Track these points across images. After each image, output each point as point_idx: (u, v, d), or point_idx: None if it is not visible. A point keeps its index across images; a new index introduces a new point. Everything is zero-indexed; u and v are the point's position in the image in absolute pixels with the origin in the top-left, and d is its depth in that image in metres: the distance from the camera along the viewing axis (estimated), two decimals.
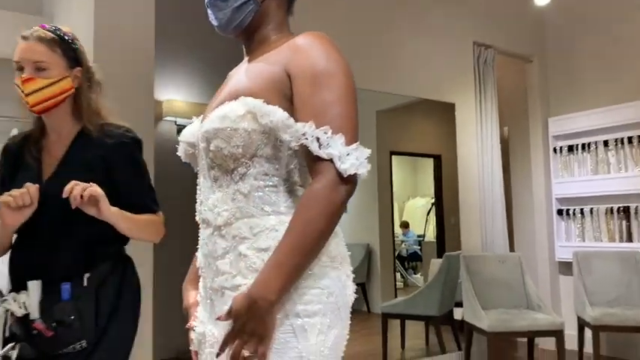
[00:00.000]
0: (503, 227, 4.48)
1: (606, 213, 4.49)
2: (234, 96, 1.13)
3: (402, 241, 9.27)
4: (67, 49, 1.55)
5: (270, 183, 1.12)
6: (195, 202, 1.24)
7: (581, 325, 4.10)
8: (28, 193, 1.42)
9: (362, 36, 3.85)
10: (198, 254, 1.23)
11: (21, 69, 1.50)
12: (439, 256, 4.64)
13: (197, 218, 1.24)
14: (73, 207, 1.39)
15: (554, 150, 4.84)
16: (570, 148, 4.74)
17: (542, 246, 4.84)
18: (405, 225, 7.80)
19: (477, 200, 4.41)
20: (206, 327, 1.18)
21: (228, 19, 1.22)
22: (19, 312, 1.43)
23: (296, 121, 1.08)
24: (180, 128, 4.67)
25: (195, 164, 1.29)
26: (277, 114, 1.07)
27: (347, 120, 1.07)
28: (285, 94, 1.11)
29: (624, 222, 4.39)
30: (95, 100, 1.60)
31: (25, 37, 1.51)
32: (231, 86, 1.19)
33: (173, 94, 4.64)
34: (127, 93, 2.78)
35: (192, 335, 1.23)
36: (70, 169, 1.51)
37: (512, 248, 4.83)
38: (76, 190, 1.38)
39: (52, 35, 1.53)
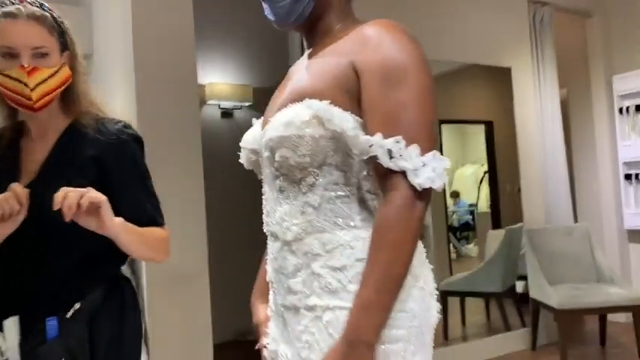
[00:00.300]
0: (567, 197, 4.24)
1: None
2: (297, 97, 1.00)
3: (454, 212, 9.07)
4: (59, 29, 1.27)
5: (342, 193, 1.00)
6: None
7: None
8: (15, 196, 1.11)
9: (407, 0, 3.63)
10: (268, 268, 1.12)
11: (11, 55, 1.20)
12: (494, 227, 4.46)
13: (265, 230, 1.13)
14: (67, 219, 1.07)
15: (620, 110, 4.51)
16: (638, 108, 4.41)
17: (609, 214, 4.56)
18: (455, 194, 7.60)
19: (538, 169, 4.17)
20: (279, 346, 1.08)
21: (287, 12, 1.07)
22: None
23: (364, 123, 0.95)
24: (224, 112, 4.59)
25: (259, 172, 1.17)
26: (344, 122, 0.94)
27: (423, 126, 0.93)
28: (352, 92, 0.97)
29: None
30: (87, 89, 1.32)
31: (12, 15, 1.20)
32: (293, 85, 1.06)
33: (214, 77, 4.54)
34: (169, 80, 2.70)
35: (265, 353, 1.14)
36: (56, 173, 1.23)
37: (576, 218, 4.58)
38: (71, 197, 1.07)
39: (43, 12, 1.24)
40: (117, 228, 1.16)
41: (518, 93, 4.16)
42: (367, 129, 0.95)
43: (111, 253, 1.24)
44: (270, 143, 1.01)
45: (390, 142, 0.91)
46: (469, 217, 9.42)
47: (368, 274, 0.92)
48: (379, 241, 0.92)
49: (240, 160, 1.20)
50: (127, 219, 1.20)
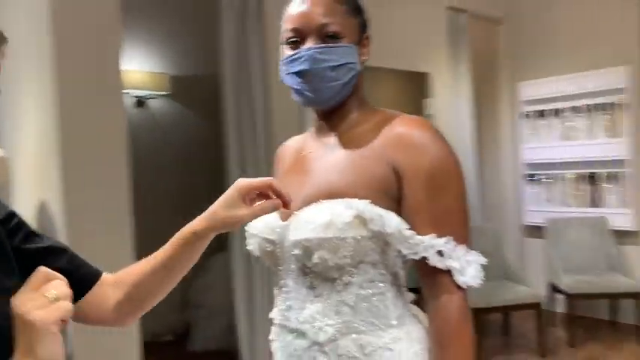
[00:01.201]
0: (477, 198, 4.50)
1: (574, 179, 4.57)
2: (332, 195, 0.98)
3: None
4: None
5: (377, 290, 1.00)
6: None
7: (553, 289, 4.24)
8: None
9: None
10: (279, 358, 1.08)
11: None
12: None
13: (277, 321, 1.08)
14: None
15: (523, 115, 4.84)
16: (540, 114, 4.75)
17: (512, 212, 4.92)
18: None
19: None
20: None
21: (334, 93, 1.03)
22: None
23: (411, 224, 0.96)
24: (138, 100, 4.33)
25: (272, 262, 1.11)
26: (392, 222, 0.95)
27: (465, 228, 0.98)
28: (392, 194, 0.97)
29: (591, 188, 4.50)
30: None
31: None
32: (320, 179, 1.02)
33: (127, 64, 4.24)
34: (89, 66, 2.54)
35: None
36: None
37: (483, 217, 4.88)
38: None
39: None
40: None
41: (436, 98, 4.32)
42: (414, 229, 0.96)
43: None
44: (306, 244, 0.97)
45: (441, 243, 0.94)
46: None
47: None
48: (446, 351, 0.95)
49: (248, 247, 1.13)
50: None
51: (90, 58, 2.57)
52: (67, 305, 0.70)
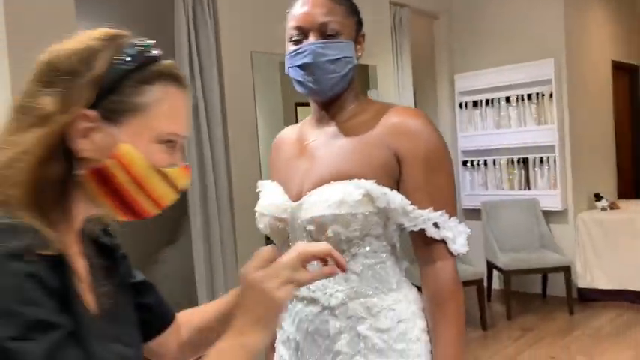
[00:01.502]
0: None
1: (507, 163, 4.91)
2: (339, 176, 1.11)
3: None
4: None
5: (380, 260, 1.14)
6: None
7: (491, 267, 4.56)
8: None
9: None
10: (288, 327, 1.20)
11: None
12: None
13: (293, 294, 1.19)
14: None
15: (460, 105, 5.13)
16: (475, 104, 5.06)
17: None
18: None
19: None
20: None
21: (334, 84, 1.15)
22: None
23: (411, 201, 1.11)
24: None
25: (280, 239, 1.22)
26: (396, 200, 1.09)
27: (455, 202, 1.15)
28: (393, 175, 1.12)
29: (523, 172, 4.85)
30: None
31: None
32: (330, 164, 1.14)
33: None
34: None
35: None
36: None
37: None
38: None
39: None
40: None
41: (380, 88, 4.51)
42: (413, 205, 1.10)
43: None
44: (321, 220, 1.09)
45: (437, 216, 1.09)
46: None
47: (441, 351, 1.09)
48: (441, 312, 1.10)
49: (258, 226, 1.24)
50: None
51: (43, 45, 2.54)
52: (293, 290, 0.78)
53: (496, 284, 4.89)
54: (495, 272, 4.65)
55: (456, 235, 1.10)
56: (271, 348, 1.28)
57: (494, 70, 4.88)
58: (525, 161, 4.82)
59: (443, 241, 1.10)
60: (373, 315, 1.11)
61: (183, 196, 5.40)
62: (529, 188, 4.83)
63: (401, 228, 1.14)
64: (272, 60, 3.60)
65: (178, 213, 4.68)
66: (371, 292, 1.12)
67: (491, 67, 4.91)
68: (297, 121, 4.83)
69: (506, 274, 4.31)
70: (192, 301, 4.22)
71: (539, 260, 4.37)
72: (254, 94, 3.49)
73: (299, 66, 1.14)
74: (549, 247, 4.53)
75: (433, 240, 1.10)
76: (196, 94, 3.18)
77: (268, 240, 1.27)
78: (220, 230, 3.27)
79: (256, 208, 1.23)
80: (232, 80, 3.35)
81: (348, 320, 1.11)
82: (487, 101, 4.99)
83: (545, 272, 4.61)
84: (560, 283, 4.44)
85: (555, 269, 4.37)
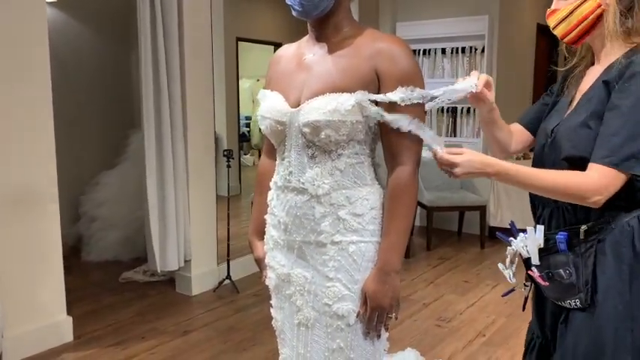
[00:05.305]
0: None
1: (437, 112, 5.30)
2: (334, 89, 1.30)
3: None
4: None
5: (359, 160, 1.37)
6: None
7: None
8: None
9: None
10: (279, 212, 1.43)
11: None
12: None
13: (279, 184, 1.43)
14: None
15: None
16: (416, 52, 5.36)
17: None
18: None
19: None
20: (292, 270, 1.43)
21: (315, 5, 1.31)
22: (524, 254, 1.40)
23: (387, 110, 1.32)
24: None
25: (278, 139, 1.42)
26: (374, 109, 1.29)
27: (425, 113, 1.37)
28: (374, 90, 1.31)
29: (451, 120, 5.26)
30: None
31: None
32: (325, 77, 1.33)
33: None
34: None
35: (269, 281, 1.52)
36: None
37: None
38: None
39: None
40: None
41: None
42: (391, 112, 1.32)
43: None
44: (316, 124, 1.30)
45: (412, 119, 1.31)
46: (246, 129, 9.95)
47: (391, 225, 1.34)
48: (396, 202, 1.34)
49: (260, 127, 1.45)
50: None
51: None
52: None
53: (418, 221, 5.35)
54: (418, 210, 5.08)
55: (425, 130, 1.33)
56: (257, 237, 1.59)
57: (434, 22, 5.18)
58: (454, 110, 5.22)
59: (408, 149, 1.32)
60: (351, 203, 1.36)
61: (135, 113, 5.35)
62: (455, 135, 5.26)
63: (375, 132, 1.35)
64: None
65: (118, 139, 4.72)
66: (350, 185, 1.36)
67: (432, 19, 5.20)
68: (237, 56, 4.94)
69: (430, 211, 4.75)
70: (133, 220, 4.33)
71: (460, 199, 4.85)
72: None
73: None
74: (469, 188, 5.01)
75: (400, 146, 1.32)
76: (154, 22, 3.24)
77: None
78: (173, 144, 3.40)
79: (259, 112, 1.43)
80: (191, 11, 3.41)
81: (330, 207, 1.36)
82: (425, 51, 5.31)
83: (463, 210, 5.11)
84: (475, 223, 4.96)
85: (473, 208, 4.87)
